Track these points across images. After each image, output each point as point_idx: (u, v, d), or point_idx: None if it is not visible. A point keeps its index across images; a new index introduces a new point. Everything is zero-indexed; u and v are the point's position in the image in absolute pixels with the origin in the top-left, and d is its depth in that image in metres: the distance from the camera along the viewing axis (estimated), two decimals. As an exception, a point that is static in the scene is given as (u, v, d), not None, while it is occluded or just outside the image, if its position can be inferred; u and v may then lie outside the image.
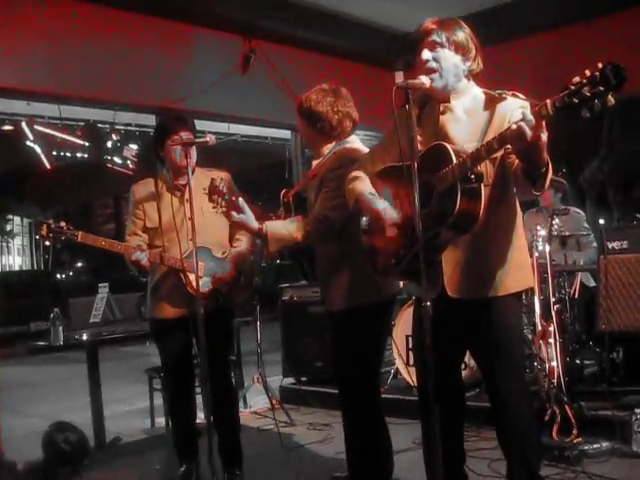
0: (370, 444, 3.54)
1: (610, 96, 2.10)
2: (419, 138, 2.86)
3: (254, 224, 3.38)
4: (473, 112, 2.81)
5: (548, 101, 2.26)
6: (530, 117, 2.30)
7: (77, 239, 3.77)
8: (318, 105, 3.48)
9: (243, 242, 4.13)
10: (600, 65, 2.10)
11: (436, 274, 2.80)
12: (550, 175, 2.51)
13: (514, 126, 2.35)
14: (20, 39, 5.58)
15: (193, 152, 3.90)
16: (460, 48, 2.80)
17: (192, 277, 3.81)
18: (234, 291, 4.08)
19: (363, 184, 3.04)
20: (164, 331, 4.06)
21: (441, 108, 2.85)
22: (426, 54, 2.80)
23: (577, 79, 2.15)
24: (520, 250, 2.90)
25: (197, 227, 3.77)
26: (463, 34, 2.81)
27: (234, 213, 3.38)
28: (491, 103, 2.77)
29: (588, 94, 2.11)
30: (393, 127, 2.55)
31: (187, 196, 3.92)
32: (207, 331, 3.69)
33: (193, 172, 3.97)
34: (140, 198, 4.05)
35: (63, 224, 3.78)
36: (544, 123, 2.37)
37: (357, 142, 3.60)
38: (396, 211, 2.84)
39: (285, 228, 3.44)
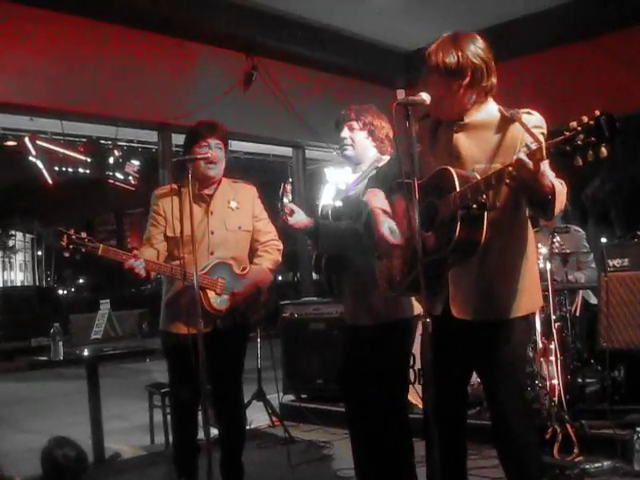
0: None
1: (603, 148, 2.10)
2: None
3: (308, 220, 3.55)
4: (486, 131, 2.77)
5: (543, 145, 2.28)
6: (526, 160, 2.31)
7: (97, 252, 3.55)
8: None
9: (264, 259, 4.00)
10: (597, 113, 2.10)
11: (441, 291, 2.81)
12: (560, 200, 2.50)
13: (514, 159, 2.36)
14: (23, 55, 5.62)
15: (222, 163, 3.88)
16: (452, 72, 2.70)
17: (211, 294, 3.78)
18: (251, 309, 3.93)
19: (377, 198, 3.06)
20: (176, 346, 3.79)
21: (454, 127, 2.83)
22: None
23: (574, 124, 2.15)
24: (531, 273, 2.87)
25: (218, 241, 3.75)
26: (454, 58, 2.69)
27: (290, 217, 3.51)
28: (504, 123, 2.73)
29: (581, 143, 2.12)
30: (406, 144, 2.56)
31: (211, 208, 3.87)
32: (221, 348, 3.71)
33: (219, 183, 3.96)
34: (163, 204, 3.86)
35: (84, 235, 3.55)
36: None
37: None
38: (399, 234, 2.87)
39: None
